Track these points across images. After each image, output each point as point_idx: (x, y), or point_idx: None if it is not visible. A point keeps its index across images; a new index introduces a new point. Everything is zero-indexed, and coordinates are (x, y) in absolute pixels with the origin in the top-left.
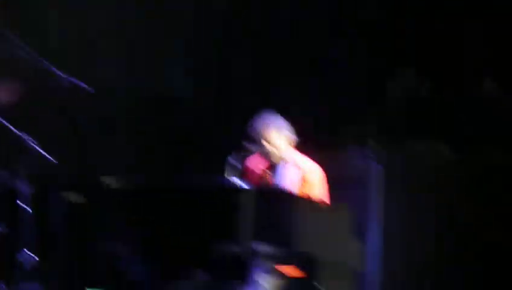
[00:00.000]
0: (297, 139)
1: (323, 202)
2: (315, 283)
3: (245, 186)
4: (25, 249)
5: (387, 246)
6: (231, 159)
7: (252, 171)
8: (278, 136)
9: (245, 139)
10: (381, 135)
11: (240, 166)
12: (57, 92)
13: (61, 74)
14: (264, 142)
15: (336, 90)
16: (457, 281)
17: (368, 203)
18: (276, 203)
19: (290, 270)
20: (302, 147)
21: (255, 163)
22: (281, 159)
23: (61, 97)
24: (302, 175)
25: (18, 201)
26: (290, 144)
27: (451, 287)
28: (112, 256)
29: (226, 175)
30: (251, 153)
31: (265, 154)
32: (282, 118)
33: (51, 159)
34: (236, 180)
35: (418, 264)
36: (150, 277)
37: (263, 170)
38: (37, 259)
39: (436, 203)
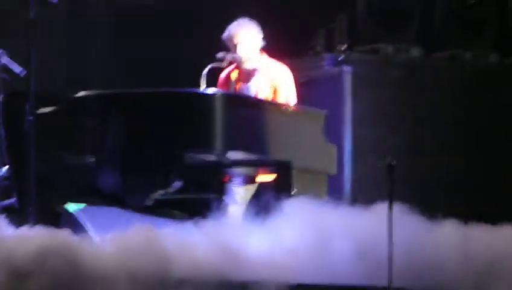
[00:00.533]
0: (267, 44)
1: (293, 107)
2: (289, 189)
3: (218, 93)
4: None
5: (358, 150)
6: (205, 71)
7: (225, 81)
8: (250, 41)
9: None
10: (352, 38)
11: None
12: None
13: None
14: (237, 47)
15: None
16: (424, 181)
17: (339, 106)
18: (249, 110)
19: (265, 177)
20: (274, 52)
21: (227, 73)
22: (252, 64)
23: None
24: (273, 82)
25: None
26: (261, 49)
27: (418, 190)
28: (88, 169)
29: (201, 87)
30: (225, 62)
31: (237, 61)
32: (255, 23)
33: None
34: (211, 89)
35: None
36: (126, 189)
37: (236, 79)
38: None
39: (407, 103)
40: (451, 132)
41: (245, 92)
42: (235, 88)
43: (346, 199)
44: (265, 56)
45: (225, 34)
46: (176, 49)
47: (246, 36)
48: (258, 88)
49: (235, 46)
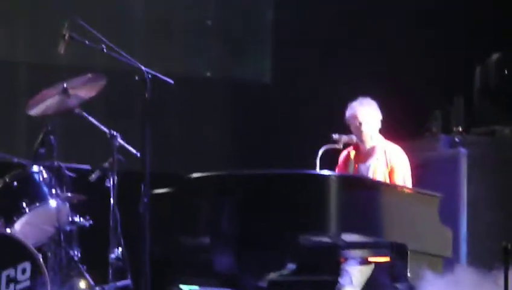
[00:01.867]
0: (385, 125)
1: (409, 189)
2: (404, 272)
3: (334, 175)
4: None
5: (474, 233)
6: (320, 152)
7: (345, 160)
8: (372, 120)
9: (334, 131)
10: (468, 120)
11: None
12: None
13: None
14: (360, 126)
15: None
16: None
17: (455, 189)
18: (365, 192)
19: (380, 260)
20: (392, 134)
21: (347, 152)
22: (371, 144)
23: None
24: (390, 163)
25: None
26: (379, 131)
27: None
28: (201, 250)
29: (316, 167)
30: (340, 144)
31: (352, 142)
32: (374, 104)
33: (136, 153)
34: (326, 171)
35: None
36: (240, 270)
37: (354, 158)
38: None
39: None
40: None
41: (363, 171)
42: (354, 167)
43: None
44: (382, 138)
45: (348, 112)
46: (293, 128)
47: (368, 115)
48: (376, 168)
49: (358, 124)
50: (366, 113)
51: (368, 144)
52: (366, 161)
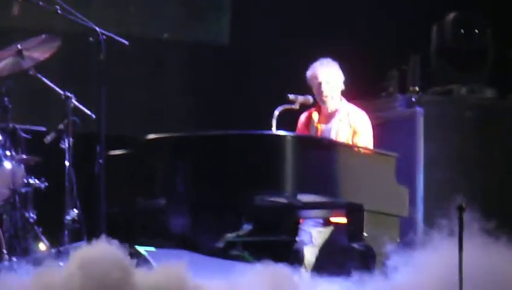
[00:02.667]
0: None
1: (365, 149)
2: (360, 231)
3: (289, 135)
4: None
5: (430, 192)
6: (276, 112)
7: (306, 121)
8: (333, 81)
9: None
10: (424, 79)
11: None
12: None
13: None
14: (320, 86)
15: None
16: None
17: (412, 148)
18: (321, 152)
19: (337, 220)
20: (349, 94)
21: (309, 113)
22: (333, 105)
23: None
24: (353, 126)
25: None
26: (341, 93)
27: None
28: (158, 212)
29: (272, 128)
30: (296, 104)
31: (309, 103)
32: (336, 65)
33: (92, 114)
34: (281, 132)
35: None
36: (196, 231)
37: (317, 119)
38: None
39: (480, 145)
40: None
41: (326, 133)
42: (316, 129)
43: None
44: (344, 100)
45: (308, 73)
46: (250, 89)
47: (329, 75)
48: (339, 129)
49: (318, 84)
50: (326, 73)
51: (330, 105)
52: (328, 122)
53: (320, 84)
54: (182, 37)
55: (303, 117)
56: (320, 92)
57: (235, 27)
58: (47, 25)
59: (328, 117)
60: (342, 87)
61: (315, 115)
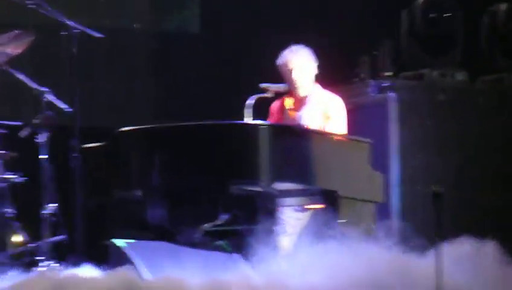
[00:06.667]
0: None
1: (339, 135)
2: (336, 218)
3: (263, 124)
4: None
5: (405, 177)
6: (249, 101)
7: (278, 109)
8: (305, 68)
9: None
10: (396, 64)
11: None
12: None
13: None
14: (291, 73)
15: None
16: (475, 209)
17: (385, 133)
18: (295, 139)
19: (313, 208)
20: (322, 80)
21: (281, 100)
22: (305, 92)
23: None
24: (324, 110)
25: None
26: (313, 78)
27: (471, 216)
28: (135, 204)
29: (245, 117)
30: (269, 92)
31: (282, 91)
32: (310, 50)
33: (67, 108)
34: (255, 121)
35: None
36: (173, 222)
37: (289, 107)
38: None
39: (454, 129)
40: (499, 157)
41: (298, 119)
42: (289, 116)
43: (394, 227)
44: (318, 86)
45: (279, 60)
46: (222, 78)
47: (301, 62)
48: (311, 116)
49: (289, 71)
50: (297, 59)
51: (301, 92)
52: (300, 109)
53: (291, 70)
54: (152, 27)
55: (275, 105)
56: (291, 79)
57: (206, 16)
58: (19, 19)
59: (300, 103)
60: (314, 72)
61: (287, 102)
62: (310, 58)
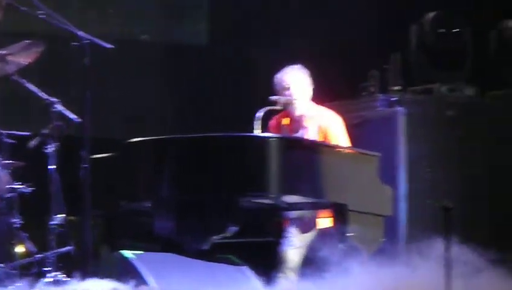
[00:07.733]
0: (322, 86)
1: (349, 149)
2: (345, 232)
3: (273, 137)
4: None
5: (413, 191)
6: (259, 114)
7: (275, 127)
8: (299, 86)
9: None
10: (405, 78)
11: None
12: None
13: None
14: (286, 91)
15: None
16: (483, 221)
17: (393, 147)
18: (305, 153)
19: (322, 221)
20: (325, 97)
21: (278, 118)
22: (301, 110)
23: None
24: (320, 126)
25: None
26: (310, 97)
27: (479, 228)
28: (143, 215)
29: (254, 130)
30: (279, 104)
31: (287, 107)
32: (303, 71)
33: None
34: (265, 134)
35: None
36: (181, 234)
37: (286, 125)
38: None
39: (462, 143)
40: (507, 172)
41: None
42: (286, 133)
43: (402, 241)
44: (313, 104)
45: (275, 79)
46: (230, 91)
47: (295, 79)
48: (308, 135)
49: (284, 89)
50: (293, 77)
51: (297, 111)
52: (296, 128)
53: (285, 89)
54: (161, 38)
55: (272, 122)
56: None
57: (215, 28)
58: (30, 29)
59: (296, 123)
60: (309, 92)
61: (284, 120)
62: (305, 77)
